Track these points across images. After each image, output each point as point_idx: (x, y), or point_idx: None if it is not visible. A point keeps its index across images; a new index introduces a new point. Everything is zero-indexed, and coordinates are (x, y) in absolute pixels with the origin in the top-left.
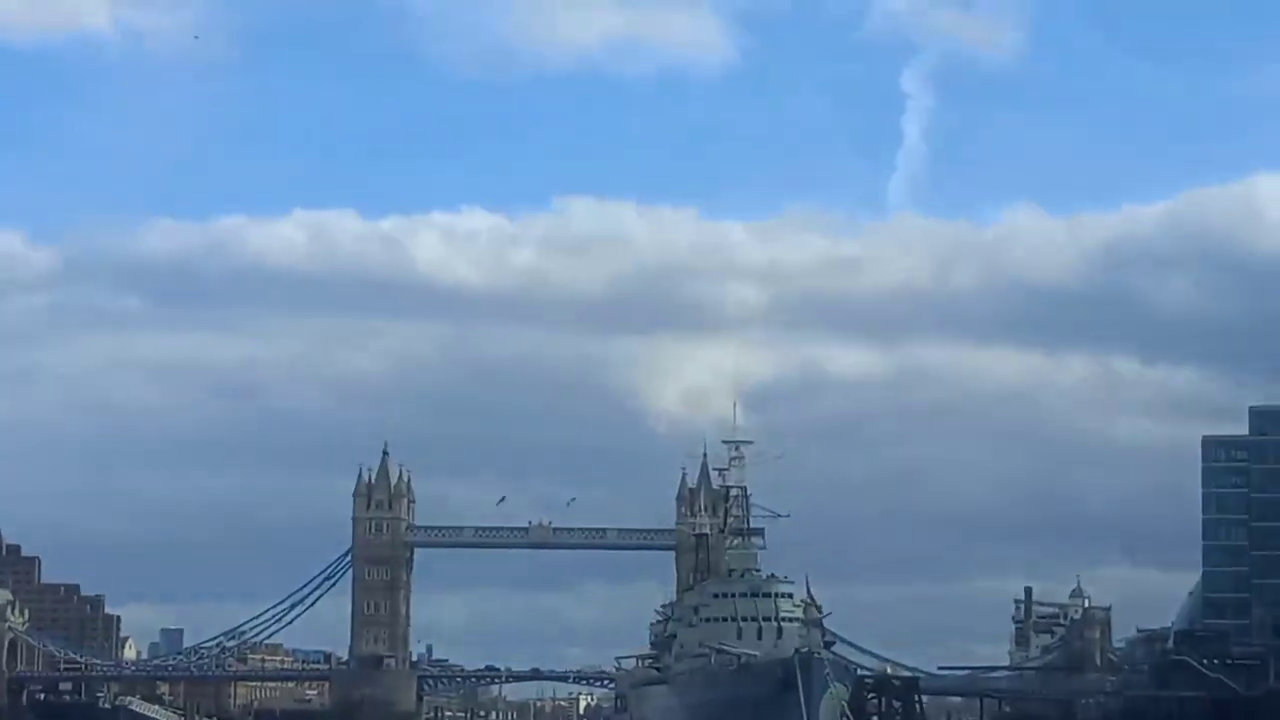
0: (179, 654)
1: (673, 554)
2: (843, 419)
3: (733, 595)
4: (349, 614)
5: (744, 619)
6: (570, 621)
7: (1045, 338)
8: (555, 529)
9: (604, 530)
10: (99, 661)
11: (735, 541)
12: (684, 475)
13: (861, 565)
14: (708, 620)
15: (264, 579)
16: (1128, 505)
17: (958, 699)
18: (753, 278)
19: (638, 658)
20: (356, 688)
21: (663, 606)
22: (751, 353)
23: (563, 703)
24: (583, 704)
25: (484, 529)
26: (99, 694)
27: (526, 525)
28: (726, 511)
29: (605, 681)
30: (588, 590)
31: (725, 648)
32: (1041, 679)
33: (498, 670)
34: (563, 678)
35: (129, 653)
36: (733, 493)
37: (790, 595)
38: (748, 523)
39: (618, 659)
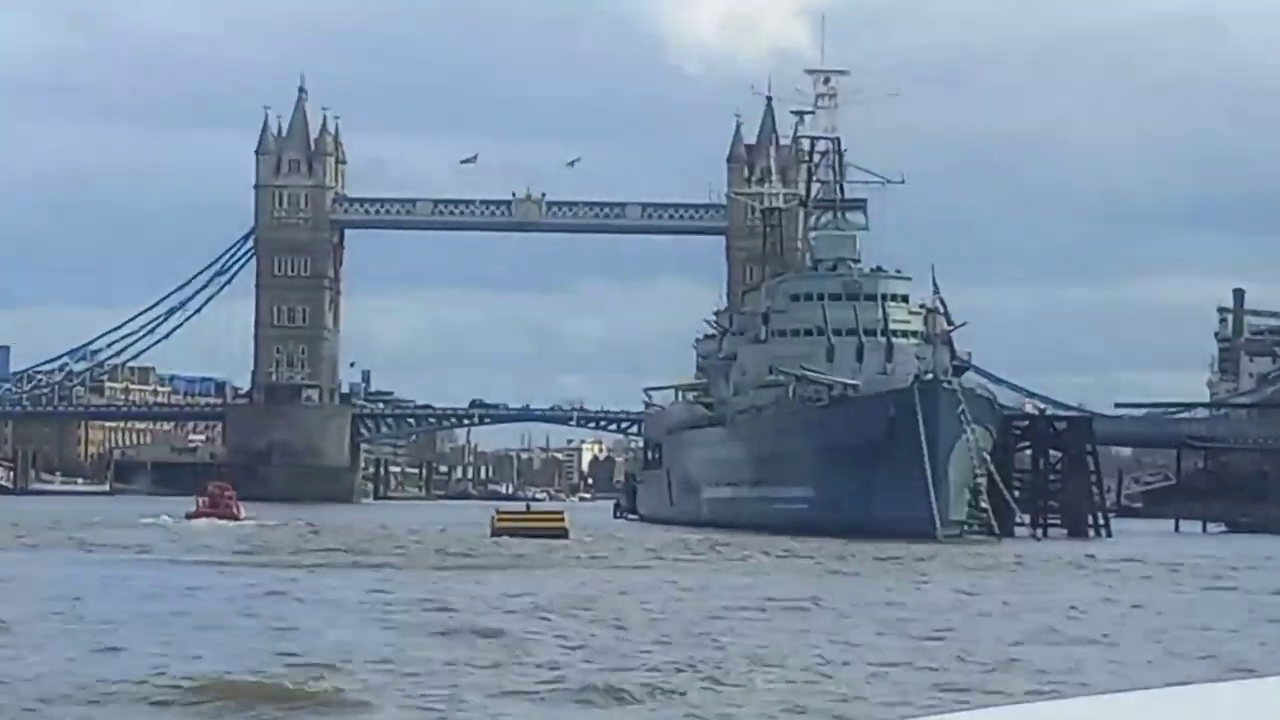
0: (4, 381)
1: (723, 240)
2: (952, 57)
3: (821, 297)
4: (250, 326)
5: (837, 332)
6: (568, 338)
7: None
8: (549, 204)
9: (620, 206)
10: None
11: (824, 219)
12: (738, 127)
13: (990, 259)
14: (783, 334)
15: (127, 275)
16: None
17: (1127, 451)
18: None
19: (676, 389)
20: (262, 430)
21: (714, 315)
22: None
23: (558, 454)
24: (587, 455)
25: (445, 202)
26: None
27: (509, 198)
28: (810, 175)
29: (624, 425)
30: (594, 293)
31: (810, 373)
32: (1259, 419)
33: (464, 409)
34: (559, 418)
35: None
36: (819, 147)
37: (905, 298)
38: (841, 191)
39: (647, 391)
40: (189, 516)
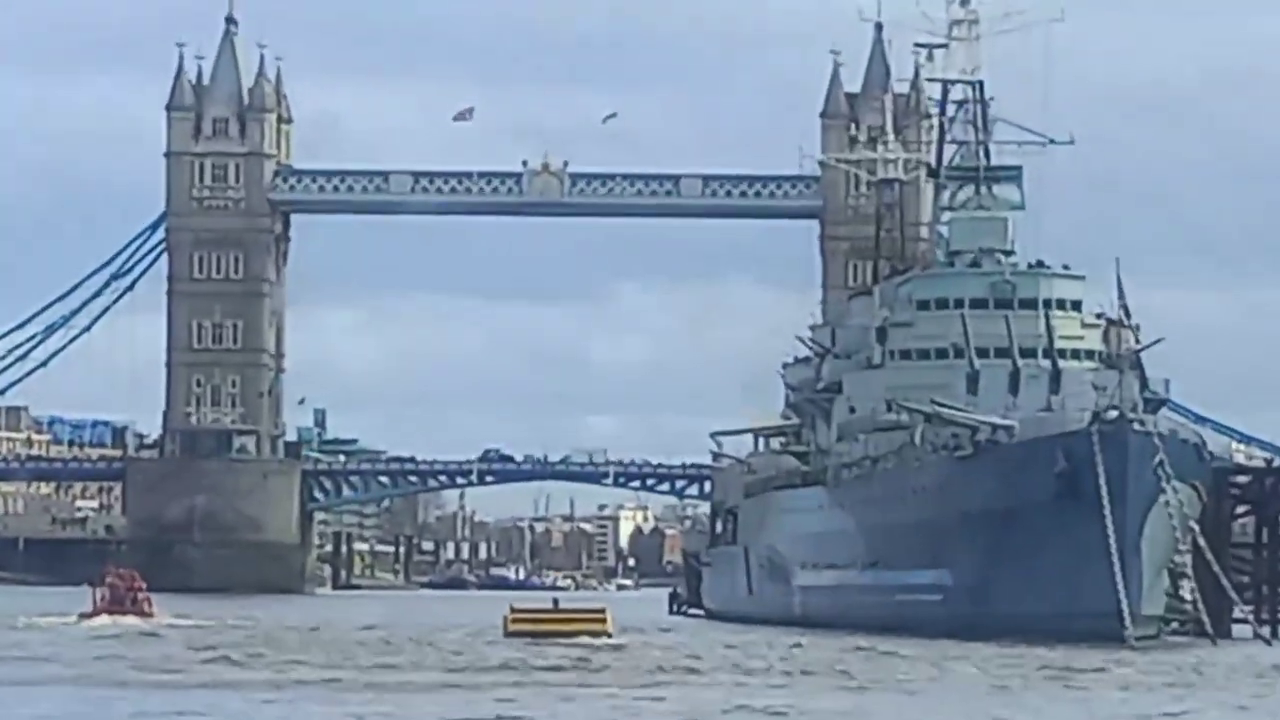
0: None
1: (815, 226)
2: None
3: (960, 304)
4: (161, 350)
5: (983, 353)
6: (599, 364)
7: None
8: (574, 176)
9: (672, 179)
10: None
11: (961, 195)
12: (836, 70)
13: (1187, 250)
14: (906, 355)
15: None
16: None
17: None
18: None
19: (756, 435)
20: (177, 494)
21: (809, 331)
22: None
23: (585, 526)
24: (626, 527)
25: (429, 175)
26: None
27: (518, 169)
28: (942, 134)
29: (679, 484)
30: (633, 302)
31: (946, 410)
32: None
33: (457, 463)
34: (591, 474)
35: None
36: (954, 95)
37: (1077, 305)
38: (987, 155)
39: (715, 438)
40: (84, 616)
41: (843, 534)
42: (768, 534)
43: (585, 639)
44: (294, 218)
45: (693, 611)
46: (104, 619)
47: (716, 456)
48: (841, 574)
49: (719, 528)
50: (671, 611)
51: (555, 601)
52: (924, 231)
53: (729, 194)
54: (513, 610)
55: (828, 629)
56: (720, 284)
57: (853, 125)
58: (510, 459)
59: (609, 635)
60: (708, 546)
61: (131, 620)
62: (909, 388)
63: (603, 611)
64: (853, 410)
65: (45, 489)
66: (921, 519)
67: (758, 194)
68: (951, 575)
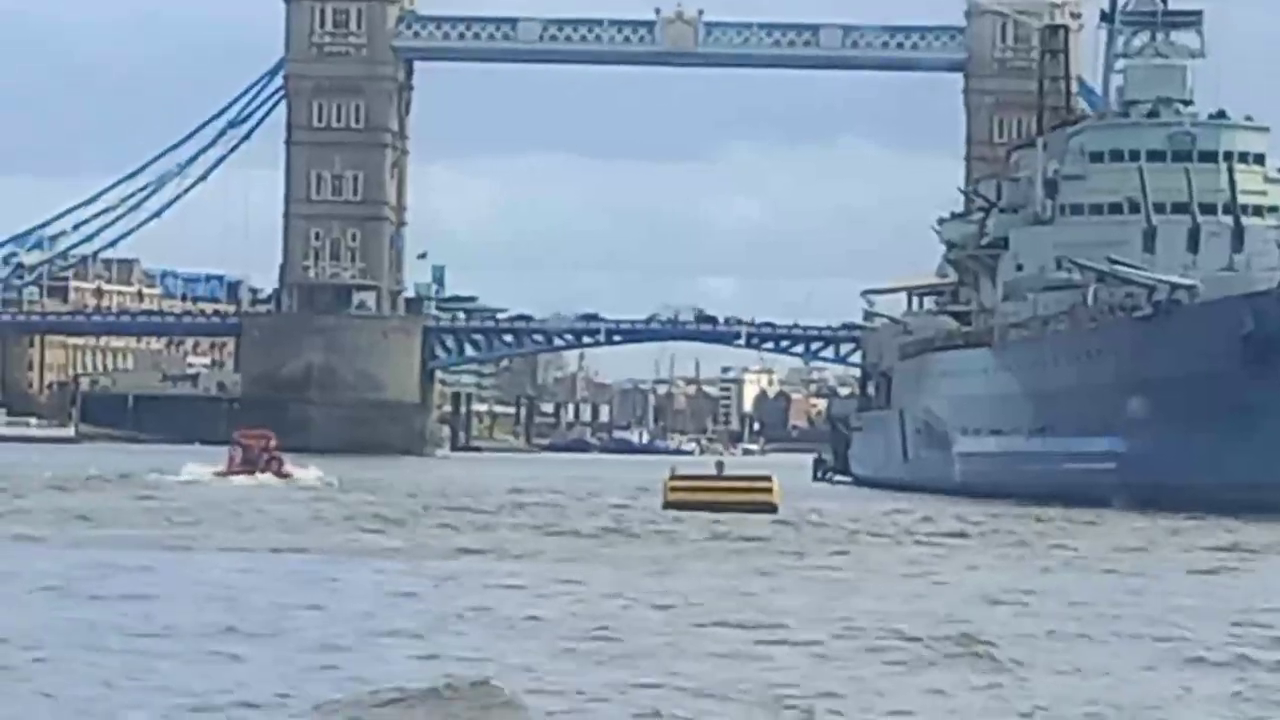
0: None
1: (960, 79)
2: None
3: (1136, 156)
4: (278, 202)
5: (1160, 208)
6: (712, 224)
7: None
8: (708, 25)
9: (811, 29)
10: None
11: (1135, 42)
12: None
13: None
14: (1078, 210)
15: (97, 132)
16: None
17: None
18: None
19: (910, 293)
20: (293, 351)
21: (972, 189)
22: None
23: (709, 389)
24: (750, 391)
25: (559, 23)
26: None
27: (650, 17)
28: None
29: (812, 345)
30: (754, 158)
31: (1122, 268)
32: None
33: (580, 321)
34: (719, 335)
35: None
36: None
37: (1261, 159)
38: None
39: (867, 297)
40: (220, 475)
41: (1008, 398)
42: (925, 397)
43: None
44: (418, 68)
45: (839, 479)
46: (243, 478)
47: (868, 316)
48: (1006, 440)
49: (870, 391)
50: (816, 478)
51: (720, 466)
52: (1105, 74)
53: (869, 45)
54: (673, 475)
55: (989, 497)
56: (840, 143)
57: None
58: (633, 322)
59: (774, 506)
60: (857, 410)
61: (268, 480)
62: (1081, 244)
63: (768, 479)
64: (1020, 268)
65: (156, 344)
66: (1095, 383)
67: (899, 45)
68: (1125, 443)
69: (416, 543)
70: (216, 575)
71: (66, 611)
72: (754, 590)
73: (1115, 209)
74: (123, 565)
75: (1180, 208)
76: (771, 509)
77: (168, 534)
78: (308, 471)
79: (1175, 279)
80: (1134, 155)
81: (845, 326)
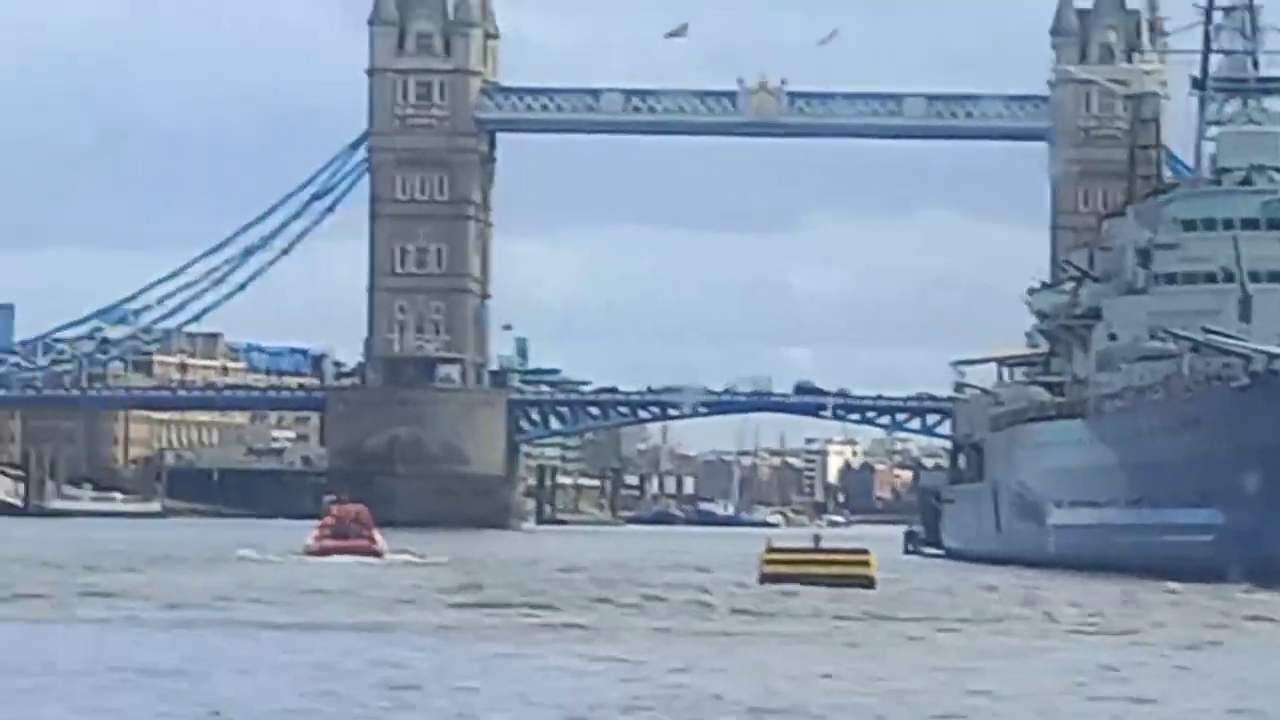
0: (7, 354)
1: (1045, 148)
2: None
3: (1230, 225)
4: (362, 275)
5: (1256, 276)
6: (794, 294)
7: None
8: (791, 95)
9: (894, 99)
10: None
11: (1230, 108)
12: None
13: None
14: (1172, 279)
15: (182, 206)
16: None
17: None
18: None
19: (1000, 364)
20: (379, 424)
21: (1064, 259)
22: None
23: (793, 460)
24: (834, 462)
25: (642, 94)
26: None
27: (734, 87)
28: (1206, 43)
29: (897, 416)
30: (840, 229)
31: (1217, 338)
32: None
33: (665, 393)
34: (805, 407)
35: None
36: (1218, 1)
37: None
38: (1254, 63)
39: (957, 367)
40: (310, 552)
41: (1103, 469)
42: (1018, 469)
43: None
44: (500, 139)
45: (929, 551)
46: (333, 557)
47: (958, 386)
48: (1101, 512)
49: (961, 462)
50: (907, 551)
51: (816, 539)
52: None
53: (953, 114)
54: (769, 550)
55: (1085, 570)
56: (923, 212)
57: (1084, 45)
58: (732, 391)
59: (872, 581)
60: (948, 482)
61: (359, 556)
62: (1175, 314)
63: (865, 553)
64: (1113, 338)
65: (240, 419)
66: (1192, 454)
67: (983, 114)
68: (1223, 515)
69: (605, 623)
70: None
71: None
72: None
73: (1210, 278)
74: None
75: (1275, 276)
76: (870, 583)
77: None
78: (403, 554)
79: (1272, 349)
80: (1228, 224)
81: (928, 397)
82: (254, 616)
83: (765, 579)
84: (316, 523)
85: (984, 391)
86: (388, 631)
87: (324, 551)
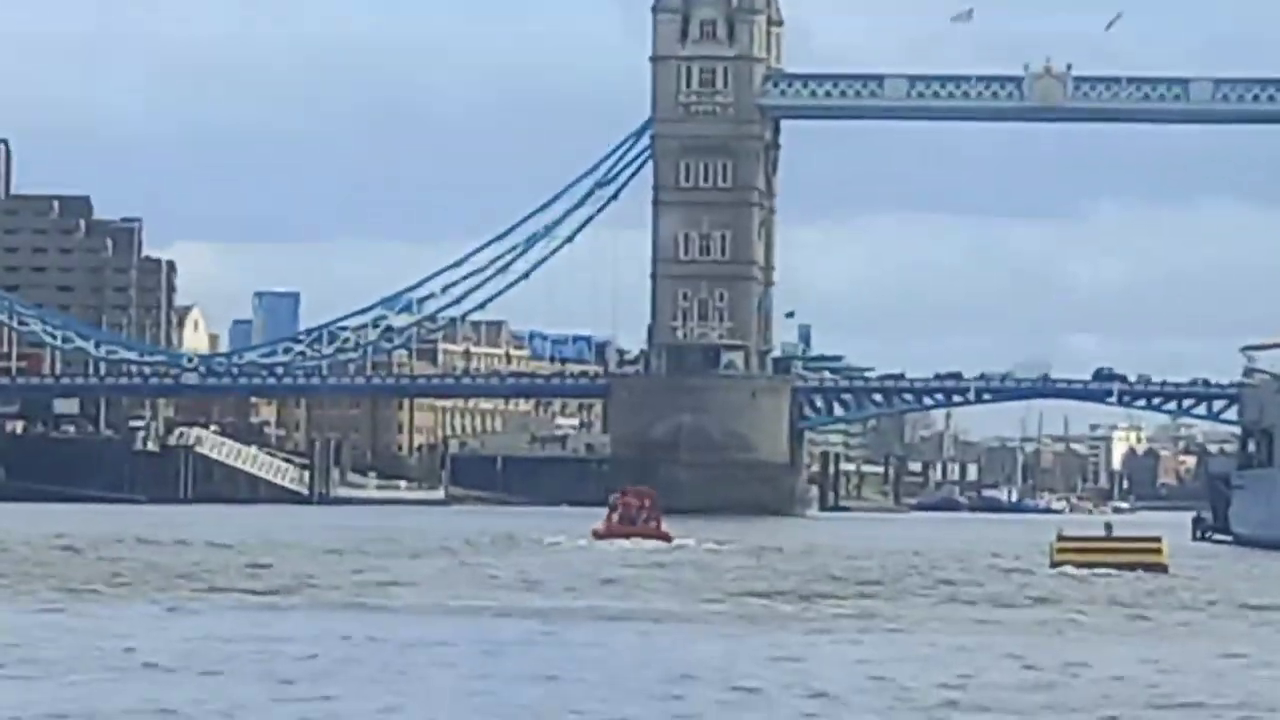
0: (293, 342)
1: None
2: None
3: None
4: (645, 262)
5: None
6: (1074, 282)
7: None
8: (1077, 80)
9: (1180, 83)
10: (132, 357)
11: None
12: None
13: None
14: None
15: (464, 195)
16: None
17: None
18: None
19: None
20: (663, 412)
21: None
22: None
23: (1077, 447)
24: (1119, 449)
25: (926, 80)
26: (136, 424)
27: (1019, 72)
28: None
29: (1181, 402)
30: (1113, 218)
31: None
32: None
33: (941, 379)
34: (1091, 393)
35: (194, 339)
36: None
37: None
38: None
39: (1246, 352)
40: (597, 536)
41: None
42: None
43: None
44: (784, 126)
45: (1218, 537)
46: (621, 542)
47: (1248, 372)
48: None
49: (1250, 448)
50: (1195, 537)
51: (1108, 528)
52: None
53: (1240, 98)
54: (1060, 538)
55: None
56: (1206, 199)
57: None
58: (1009, 377)
59: (1165, 566)
60: (1237, 468)
61: (647, 541)
62: None
63: (1158, 540)
64: None
65: (524, 406)
66: None
67: (1270, 98)
68: None
69: (914, 613)
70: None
71: None
72: None
73: None
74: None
75: None
76: (1163, 569)
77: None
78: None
79: None
80: None
81: (1213, 384)
82: (580, 603)
83: (1056, 564)
84: (607, 509)
85: (1274, 377)
86: (702, 623)
87: (613, 536)
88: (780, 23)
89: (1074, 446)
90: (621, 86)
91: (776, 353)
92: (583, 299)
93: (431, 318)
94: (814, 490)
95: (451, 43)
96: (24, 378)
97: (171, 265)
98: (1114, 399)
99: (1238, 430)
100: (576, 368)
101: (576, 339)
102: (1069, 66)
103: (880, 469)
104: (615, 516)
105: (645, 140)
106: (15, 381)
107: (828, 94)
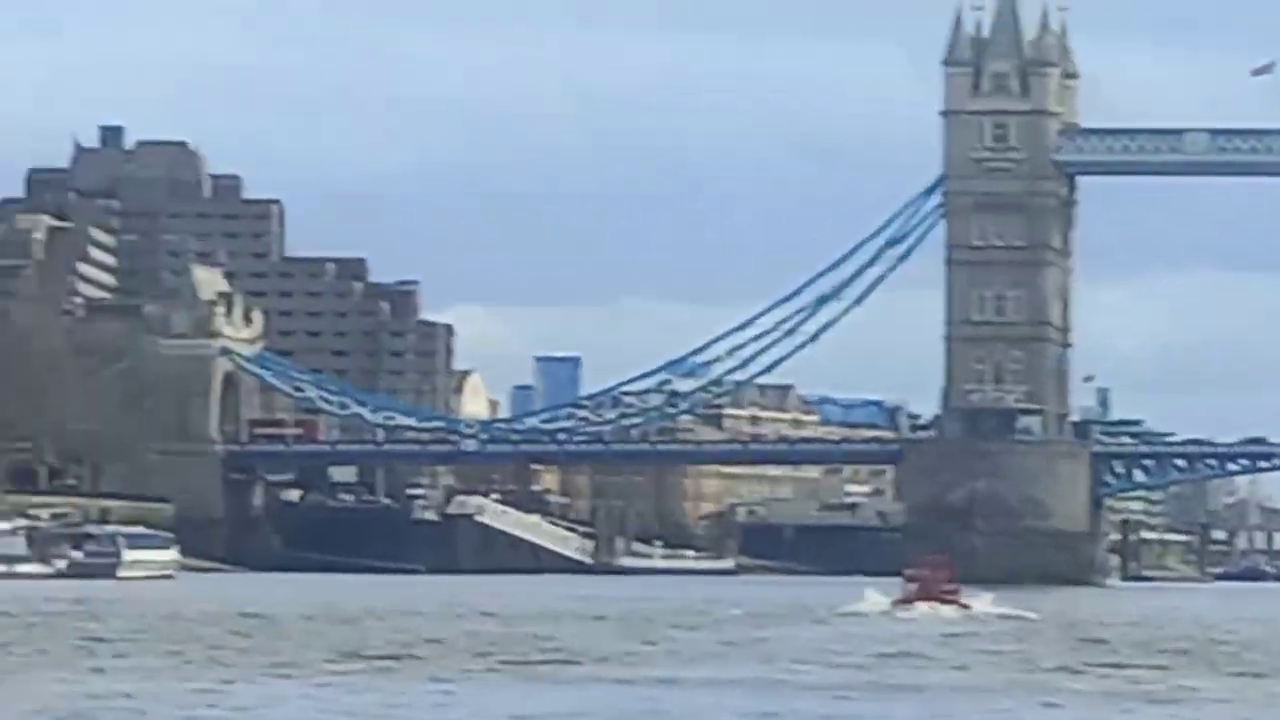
0: (575, 407)
1: None
2: None
3: None
4: (938, 324)
5: None
6: None
7: None
8: None
9: None
10: (410, 423)
11: None
12: None
13: None
14: None
15: (748, 256)
16: None
17: None
18: None
19: None
20: (957, 478)
21: None
22: None
23: None
24: None
25: (1230, 134)
26: (415, 492)
27: None
28: None
29: None
30: None
31: None
32: None
33: (1247, 444)
34: None
35: (473, 405)
36: None
37: None
38: None
39: None
40: (897, 604)
41: None
42: None
43: None
44: (1080, 182)
45: None
46: (921, 607)
47: None
48: None
49: None
50: None
51: None
52: None
53: None
54: None
55: None
56: None
57: None
58: None
59: None
60: None
61: (947, 611)
62: None
63: None
64: None
65: (813, 473)
66: None
67: None
68: None
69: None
70: None
71: None
72: None
73: None
74: None
75: None
76: None
77: None
78: (981, 602)
79: None
80: None
81: None
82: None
83: None
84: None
85: None
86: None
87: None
88: (1075, 75)
89: None
90: (910, 141)
91: (1074, 416)
92: (873, 362)
93: (717, 381)
94: (1115, 559)
95: (734, 97)
96: (300, 445)
97: (450, 329)
98: None
99: None
100: (867, 433)
101: (867, 403)
102: None
103: (1183, 537)
104: (915, 587)
105: (936, 197)
106: (291, 448)
107: (1125, 149)
